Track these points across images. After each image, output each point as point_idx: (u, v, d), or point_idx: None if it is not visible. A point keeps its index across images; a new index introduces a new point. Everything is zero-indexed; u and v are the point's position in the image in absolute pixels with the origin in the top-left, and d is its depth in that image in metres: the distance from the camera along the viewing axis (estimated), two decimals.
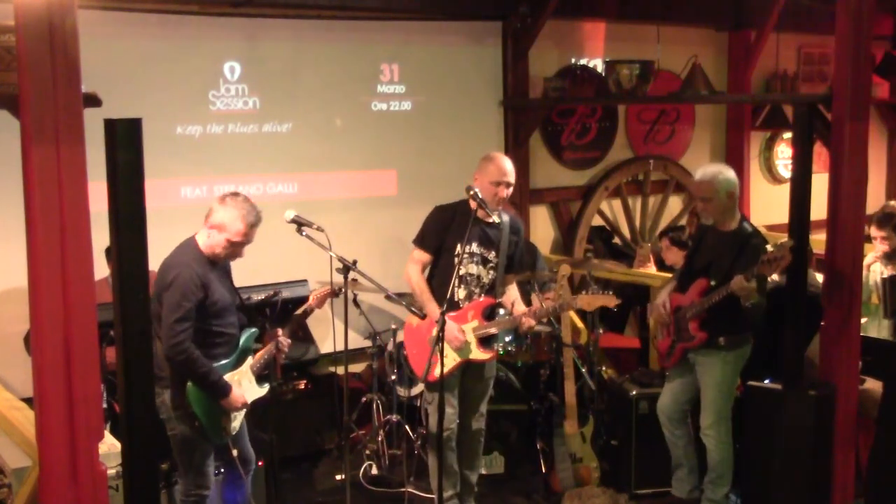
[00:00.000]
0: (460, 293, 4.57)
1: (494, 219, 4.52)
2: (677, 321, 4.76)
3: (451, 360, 4.53)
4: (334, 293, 4.53)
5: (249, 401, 4.19)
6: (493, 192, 4.50)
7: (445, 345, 4.45)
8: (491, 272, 4.61)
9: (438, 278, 4.60)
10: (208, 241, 4.02)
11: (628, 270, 6.50)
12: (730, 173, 4.65)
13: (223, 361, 4.07)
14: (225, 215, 3.98)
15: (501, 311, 4.74)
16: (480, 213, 4.49)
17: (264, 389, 4.26)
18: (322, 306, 4.51)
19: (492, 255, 4.59)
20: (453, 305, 4.51)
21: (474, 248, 4.56)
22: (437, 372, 4.45)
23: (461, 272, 4.54)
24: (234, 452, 4.11)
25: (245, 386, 4.16)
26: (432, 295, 4.54)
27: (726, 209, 4.63)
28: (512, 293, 4.76)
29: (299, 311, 4.46)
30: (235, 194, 4.06)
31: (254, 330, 4.25)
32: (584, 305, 4.59)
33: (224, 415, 4.06)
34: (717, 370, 4.67)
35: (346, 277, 4.40)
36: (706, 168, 4.74)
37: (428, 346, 4.53)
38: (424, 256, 4.60)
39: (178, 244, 4.08)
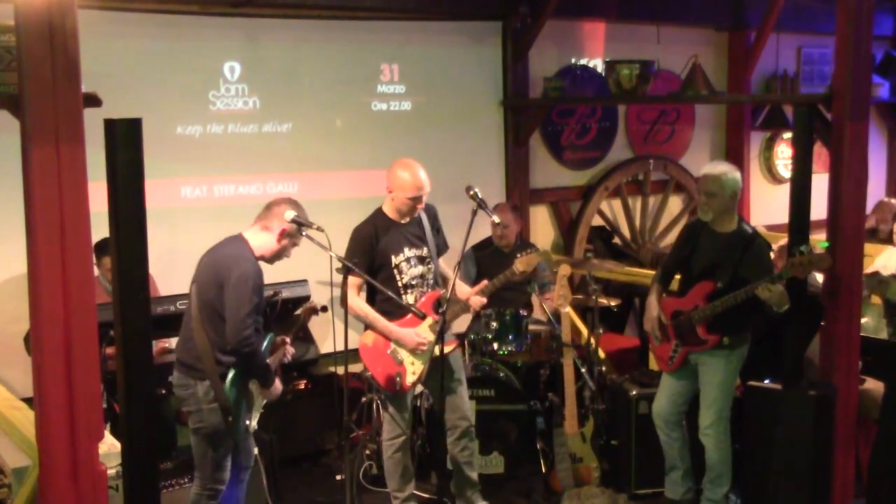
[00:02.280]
0: (410, 299, 4.56)
1: (495, 218, 4.51)
2: (678, 326, 4.74)
3: (420, 364, 4.56)
4: (314, 310, 4.74)
5: (265, 402, 4.36)
6: (410, 206, 4.50)
7: (412, 353, 4.54)
8: (429, 266, 4.63)
9: (383, 294, 4.48)
10: (272, 247, 4.13)
11: (628, 270, 6.50)
12: (738, 174, 4.66)
13: None
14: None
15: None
16: (395, 217, 4.55)
17: None
18: (308, 321, 4.73)
19: (424, 251, 4.60)
20: (404, 312, 4.53)
21: (407, 252, 4.56)
22: (408, 381, 4.55)
23: (404, 280, 4.55)
24: (255, 450, 4.27)
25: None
26: (379, 313, 4.54)
27: (728, 209, 4.62)
28: (450, 279, 4.63)
29: (292, 332, 4.59)
30: (291, 199, 4.20)
31: (271, 335, 4.34)
32: (521, 266, 4.61)
33: (249, 411, 4.17)
34: (720, 370, 4.67)
35: (345, 277, 4.40)
36: (715, 164, 4.73)
37: (391, 359, 4.56)
38: (357, 280, 4.50)
39: (228, 239, 4.15)
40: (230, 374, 4.02)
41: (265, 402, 4.34)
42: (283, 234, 4.12)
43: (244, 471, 4.35)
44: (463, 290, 4.70)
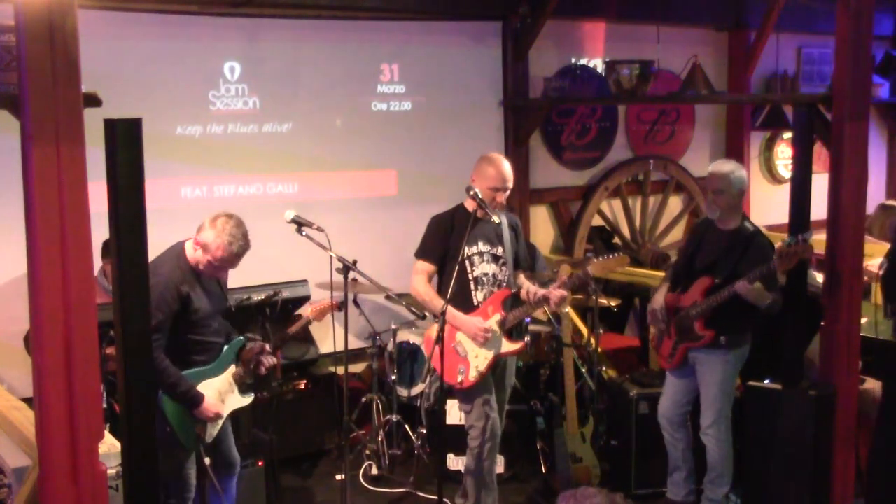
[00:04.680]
0: (479, 296, 4.50)
1: (495, 219, 4.51)
2: (679, 321, 4.76)
3: (483, 359, 4.46)
4: (336, 307, 4.46)
5: (229, 410, 4.15)
6: (491, 196, 4.45)
7: (476, 346, 4.45)
8: (504, 268, 4.55)
9: (448, 286, 4.43)
10: (193, 255, 3.98)
11: (628, 270, 6.50)
12: (744, 173, 4.72)
13: (202, 368, 4.04)
14: (210, 237, 3.90)
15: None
16: (480, 213, 4.47)
17: (248, 399, 4.24)
18: (322, 319, 4.49)
19: (500, 251, 4.54)
20: (473, 308, 4.49)
21: (481, 247, 4.51)
22: (471, 376, 4.44)
23: (475, 274, 4.49)
24: (207, 461, 4.00)
25: (225, 394, 4.12)
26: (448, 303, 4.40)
27: (734, 206, 4.67)
28: (525, 284, 4.67)
29: (294, 328, 4.42)
30: (229, 217, 3.94)
31: (239, 339, 4.23)
32: (599, 272, 4.56)
33: (199, 422, 4.00)
34: (718, 369, 4.68)
35: (346, 277, 4.40)
36: (723, 163, 4.77)
37: (456, 352, 4.48)
38: (429, 267, 4.53)
39: (167, 248, 4.04)
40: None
41: (228, 409, 4.13)
42: (198, 246, 3.94)
43: (226, 480, 4.27)
44: (532, 290, 4.58)
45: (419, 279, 4.52)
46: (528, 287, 4.63)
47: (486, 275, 4.52)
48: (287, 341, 4.44)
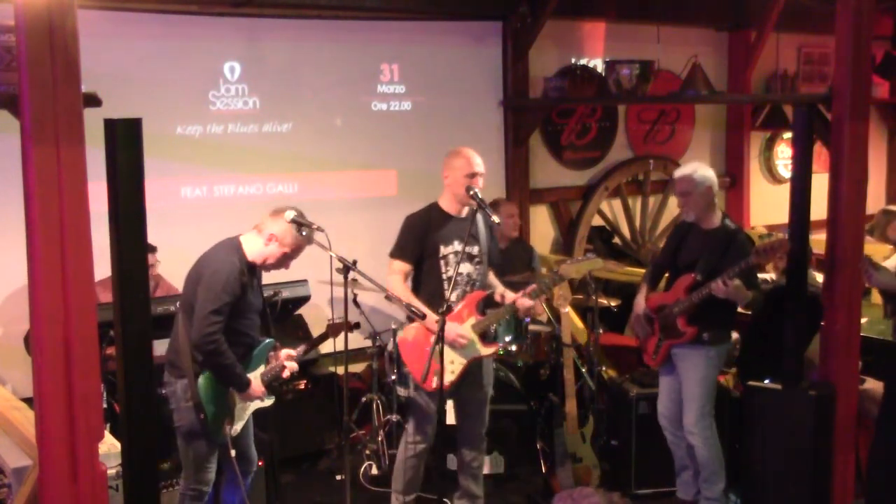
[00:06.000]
0: (452, 296, 4.46)
1: (495, 219, 4.50)
2: (662, 319, 4.77)
3: (459, 364, 4.46)
4: (350, 327, 4.50)
5: (253, 409, 4.23)
6: (467, 183, 4.43)
7: (451, 351, 4.41)
8: (478, 267, 4.55)
9: (427, 285, 4.48)
10: (261, 250, 4.07)
11: (628, 270, 6.50)
12: (707, 171, 4.73)
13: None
14: (284, 227, 4.03)
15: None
16: (454, 211, 4.50)
17: (269, 401, 4.29)
18: (337, 336, 4.53)
19: (476, 251, 4.53)
20: (448, 308, 4.49)
21: (457, 246, 4.48)
22: (446, 379, 4.36)
23: (450, 273, 4.47)
24: (233, 453, 4.10)
25: None
26: (423, 302, 4.41)
27: (706, 205, 4.68)
28: (498, 286, 4.69)
29: (318, 342, 4.52)
30: (292, 209, 4.11)
31: (270, 340, 4.28)
32: (571, 273, 4.58)
33: (227, 415, 4.08)
34: (700, 365, 4.69)
35: (346, 277, 4.40)
36: (685, 166, 4.86)
37: (430, 355, 4.43)
38: (405, 267, 4.51)
39: (221, 241, 4.11)
40: (204, 373, 3.98)
41: (252, 408, 4.22)
42: (272, 239, 4.05)
43: (244, 476, 4.29)
44: (507, 294, 4.62)
45: (396, 279, 4.50)
46: (500, 290, 4.65)
47: (460, 274, 4.49)
48: (311, 351, 4.53)
